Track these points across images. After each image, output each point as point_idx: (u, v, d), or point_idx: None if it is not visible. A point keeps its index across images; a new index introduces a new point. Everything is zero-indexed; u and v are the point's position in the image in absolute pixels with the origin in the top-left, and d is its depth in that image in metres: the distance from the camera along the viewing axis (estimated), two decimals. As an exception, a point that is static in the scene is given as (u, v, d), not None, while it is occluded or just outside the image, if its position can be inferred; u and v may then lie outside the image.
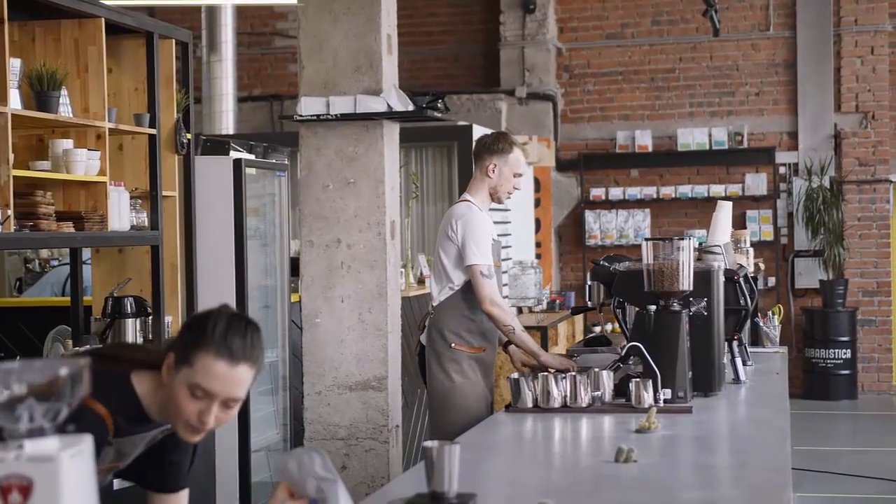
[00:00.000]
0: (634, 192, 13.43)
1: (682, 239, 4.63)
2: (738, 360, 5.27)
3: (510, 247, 11.10)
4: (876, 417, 12.18)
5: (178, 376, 2.70)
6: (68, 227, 5.21)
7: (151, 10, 13.91)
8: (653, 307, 4.61)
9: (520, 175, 5.56)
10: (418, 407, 7.78)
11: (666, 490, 3.18)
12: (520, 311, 10.98)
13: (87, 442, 1.86)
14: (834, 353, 12.80)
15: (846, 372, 12.84)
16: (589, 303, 5.42)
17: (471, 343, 5.43)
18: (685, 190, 13.31)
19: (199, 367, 2.67)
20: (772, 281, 13.11)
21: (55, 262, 9.25)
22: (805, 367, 13.02)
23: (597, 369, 4.57)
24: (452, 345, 5.42)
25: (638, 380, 4.41)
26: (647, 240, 4.67)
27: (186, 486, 3.07)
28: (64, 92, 5.22)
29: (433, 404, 5.51)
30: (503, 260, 10.42)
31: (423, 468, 2.81)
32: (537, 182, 13.05)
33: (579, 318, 11.83)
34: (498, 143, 5.53)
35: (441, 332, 5.44)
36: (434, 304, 5.50)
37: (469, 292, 5.38)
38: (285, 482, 2.68)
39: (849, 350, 12.82)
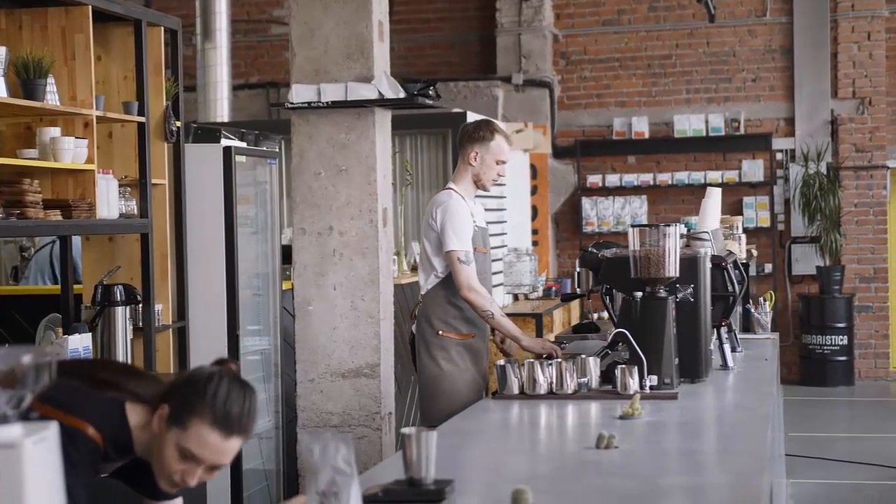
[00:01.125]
0: (631, 178, 13.42)
1: (669, 226, 4.62)
2: (727, 347, 5.27)
3: (506, 234, 11.11)
4: (872, 403, 12.18)
5: (170, 434, 2.68)
6: (56, 216, 5.21)
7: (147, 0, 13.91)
8: (639, 294, 4.61)
9: (503, 162, 5.57)
10: (411, 394, 7.79)
11: (644, 476, 3.19)
12: (515, 298, 10.99)
13: (51, 429, 1.86)
14: (831, 339, 12.80)
15: (843, 358, 12.85)
16: (578, 290, 5.42)
17: (459, 330, 5.45)
18: (682, 176, 13.31)
19: (192, 434, 2.66)
20: (768, 267, 13.11)
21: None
22: (802, 354, 13.03)
23: (583, 356, 4.57)
24: (440, 332, 5.45)
25: (623, 366, 4.42)
26: (633, 226, 4.67)
27: (180, 495, 3.03)
28: (51, 80, 5.21)
29: (422, 391, 5.54)
30: (496, 247, 10.47)
31: (401, 455, 2.82)
32: (534, 169, 13.05)
33: (575, 306, 11.84)
34: (479, 131, 5.55)
35: (429, 319, 5.48)
36: (422, 292, 5.54)
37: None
38: (304, 497, 2.67)
39: (845, 336, 12.82)
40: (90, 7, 5.47)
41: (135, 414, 2.76)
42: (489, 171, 5.53)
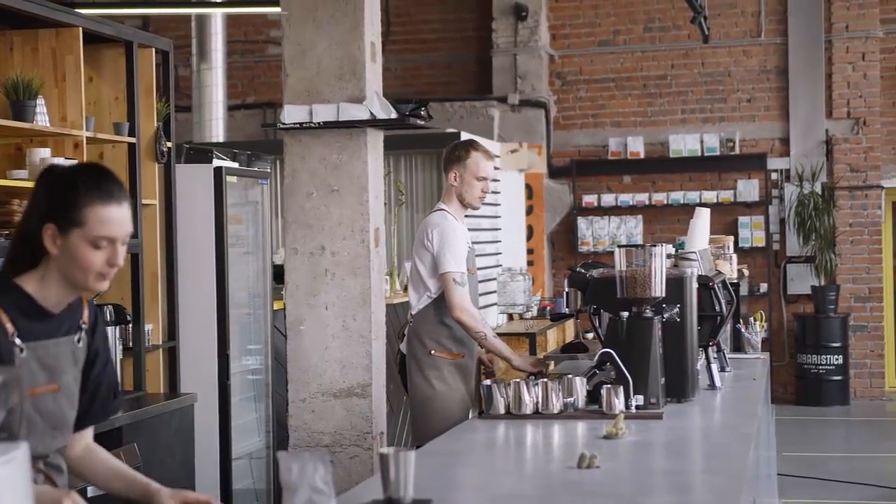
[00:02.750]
0: (627, 198, 13.45)
1: (655, 246, 4.64)
2: (714, 367, 5.28)
3: (500, 254, 11.13)
4: (868, 423, 12.18)
5: (72, 239, 2.78)
6: (46, 236, 5.22)
7: (145, 20, 13.96)
8: (625, 313, 4.62)
9: (483, 178, 5.65)
10: (403, 413, 7.79)
11: (624, 495, 3.19)
12: (510, 317, 11.00)
13: (21, 450, 1.88)
14: (826, 358, 12.80)
15: (838, 378, 12.85)
16: (566, 309, 5.44)
17: (450, 350, 5.49)
18: (677, 196, 13.33)
19: (93, 222, 2.77)
20: (763, 287, 13.12)
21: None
22: (797, 373, 13.03)
23: (570, 375, 4.58)
24: (432, 352, 5.51)
25: (609, 386, 4.42)
26: (619, 246, 4.69)
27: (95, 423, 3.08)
28: (41, 101, 5.24)
29: (414, 411, 5.56)
30: (490, 267, 10.48)
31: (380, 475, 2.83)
32: (529, 189, 13.08)
33: (570, 325, 11.84)
34: (454, 152, 5.72)
35: (420, 339, 5.53)
36: (413, 312, 5.61)
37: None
38: None
39: (841, 356, 12.83)
40: (80, 29, 5.51)
41: (26, 282, 2.83)
42: (471, 189, 5.62)
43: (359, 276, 6.04)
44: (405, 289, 8.39)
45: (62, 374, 2.89)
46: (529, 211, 13.00)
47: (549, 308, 11.35)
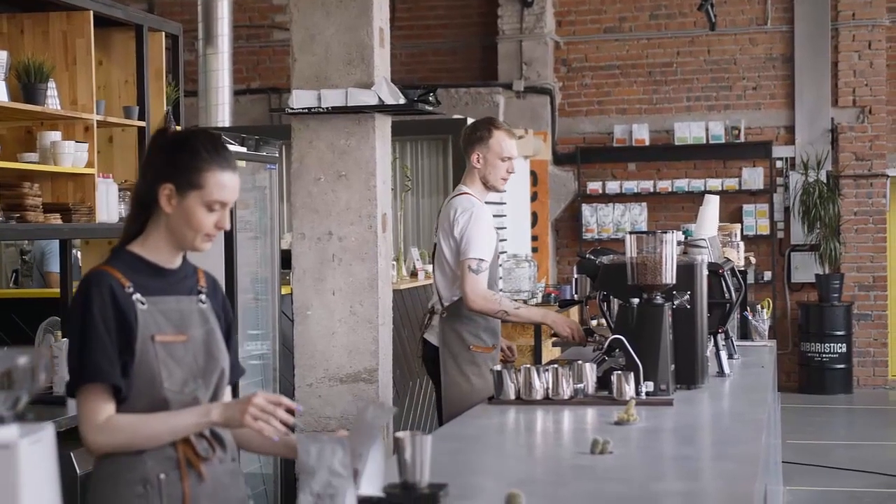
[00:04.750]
0: (631, 185, 13.45)
1: (666, 233, 4.64)
2: (723, 354, 5.28)
3: (505, 240, 11.12)
4: (871, 411, 12.19)
5: (188, 200, 2.94)
6: (56, 219, 5.23)
7: (150, 4, 13.95)
8: (636, 300, 4.62)
9: (508, 158, 5.47)
10: (409, 399, 7.81)
11: (637, 481, 3.21)
12: (515, 304, 10.99)
13: (47, 430, 1.88)
14: (829, 347, 12.82)
15: (842, 366, 12.87)
16: (575, 296, 5.42)
17: (486, 343, 5.38)
18: (682, 184, 13.33)
19: (211, 186, 2.94)
20: (768, 275, 13.13)
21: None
22: (801, 361, 13.04)
23: (580, 362, 4.59)
24: (471, 346, 5.35)
25: (620, 372, 4.43)
26: (630, 233, 4.68)
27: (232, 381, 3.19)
28: (52, 84, 5.24)
29: (450, 406, 5.39)
30: (501, 253, 10.46)
31: (396, 459, 2.84)
32: (534, 176, 13.07)
33: (575, 312, 11.85)
34: (476, 132, 5.51)
35: (459, 333, 5.37)
36: (445, 302, 5.41)
37: None
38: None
39: (844, 344, 12.84)
40: (91, 12, 5.50)
41: (137, 246, 3.01)
42: (495, 171, 5.46)
43: (366, 262, 6.04)
44: (412, 274, 8.40)
45: (189, 327, 3.03)
46: (534, 198, 13.00)
47: (553, 295, 11.34)
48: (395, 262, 7.94)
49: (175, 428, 2.93)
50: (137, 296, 2.94)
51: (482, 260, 5.30)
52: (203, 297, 3.09)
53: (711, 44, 13.46)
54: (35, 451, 1.84)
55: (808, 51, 13.22)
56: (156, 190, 2.95)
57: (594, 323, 11.20)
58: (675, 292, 4.70)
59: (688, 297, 4.73)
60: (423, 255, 8.81)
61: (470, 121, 10.53)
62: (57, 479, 1.91)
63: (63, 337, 5.57)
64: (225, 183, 2.95)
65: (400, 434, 2.85)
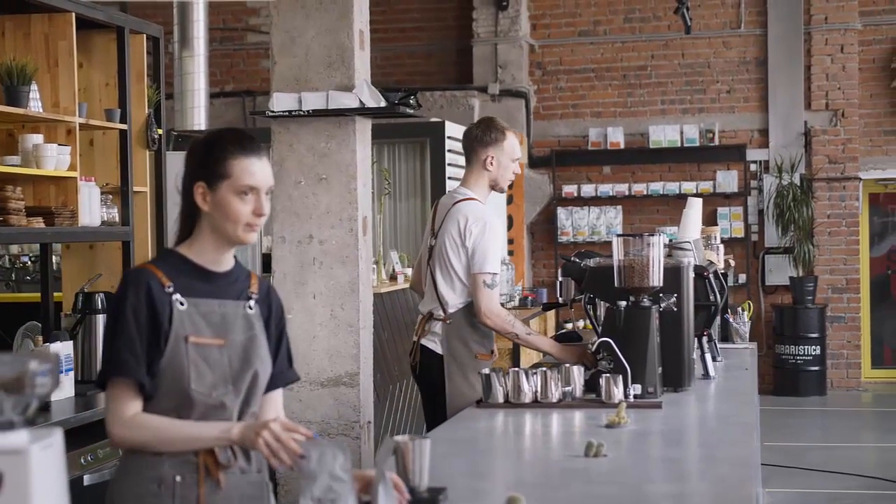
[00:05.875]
0: (606, 189, 13.47)
1: (653, 235, 4.64)
2: (708, 356, 5.30)
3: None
4: (844, 413, 12.26)
5: (220, 192, 2.99)
6: (38, 223, 5.18)
7: (123, 6, 13.87)
8: (623, 303, 4.62)
9: (517, 159, 5.38)
10: (390, 403, 7.79)
11: (635, 484, 3.20)
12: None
13: (56, 436, 1.86)
14: (803, 349, 12.88)
15: (815, 368, 12.93)
16: (560, 299, 5.41)
17: (488, 350, 5.31)
18: (657, 187, 13.37)
19: (238, 173, 2.98)
20: (742, 278, 13.19)
21: (25, 258, 9.21)
22: (775, 364, 13.10)
23: (568, 365, 4.58)
24: (477, 355, 5.23)
25: (608, 375, 4.43)
26: (618, 236, 4.69)
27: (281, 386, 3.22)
28: (34, 87, 5.20)
29: (453, 413, 5.29)
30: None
31: (395, 463, 2.82)
32: (509, 179, 13.05)
33: (551, 315, 11.88)
34: (490, 133, 5.31)
35: (464, 341, 5.23)
36: (450, 309, 5.24)
37: None
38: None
39: (818, 346, 12.91)
40: (74, 14, 5.46)
41: (183, 248, 3.06)
42: (506, 173, 5.34)
43: (347, 265, 6.03)
44: (391, 278, 8.38)
45: (230, 332, 3.05)
46: (510, 201, 13.00)
47: (531, 298, 11.36)
48: (374, 266, 7.92)
49: (197, 439, 2.96)
50: (178, 296, 2.98)
51: (496, 274, 5.17)
52: (252, 302, 3.10)
53: (686, 47, 13.51)
54: (46, 457, 1.82)
55: (782, 54, 13.29)
56: (192, 192, 3.02)
57: (570, 326, 11.23)
58: (661, 295, 4.70)
59: (675, 299, 4.73)
60: (402, 258, 8.79)
61: (448, 125, 10.57)
62: (66, 485, 1.89)
63: (44, 342, 5.53)
64: (252, 168, 3.00)
65: (399, 438, 2.84)
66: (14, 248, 9.20)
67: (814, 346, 12.88)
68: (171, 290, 2.98)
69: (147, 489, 2.96)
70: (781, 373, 13.01)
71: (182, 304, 2.98)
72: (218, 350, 3.02)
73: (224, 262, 3.09)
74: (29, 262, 9.62)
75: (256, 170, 3.01)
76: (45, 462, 1.82)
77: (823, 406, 12.59)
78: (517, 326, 5.14)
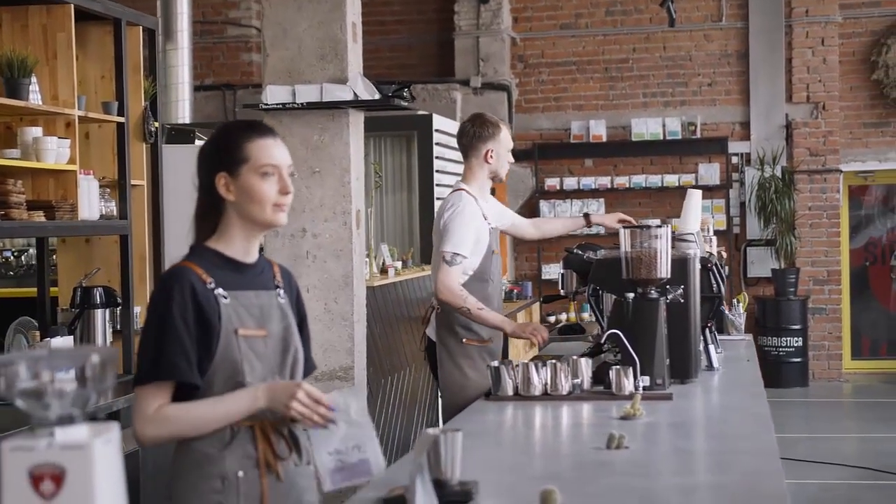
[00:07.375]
0: (589, 181, 13.47)
1: (660, 226, 4.64)
2: (712, 348, 5.30)
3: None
4: (827, 404, 12.32)
5: (242, 177, 2.97)
6: (39, 217, 5.13)
7: (102, -1, 13.77)
8: (631, 295, 4.61)
9: (511, 148, 5.65)
10: (383, 396, 7.76)
11: (661, 475, 3.20)
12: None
13: (115, 430, 1.84)
14: (786, 341, 12.93)
15: (797, 360, 12.99)
16: (562, 291, 5.41)
17: (480, 336, 5.39)
18: (639, 180, 13.38)
19: (256, 154, 2.97)
20: (724, 270, 13.20)
21: (8, 254, 9.14)
22: (758, 355, 13.10)
23: (575, 357, 4.58)
24: (464, 340, 5.38)
25: (618, 367, 4.42)
26: (625, 227, 4.68)
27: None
28: (34, 79, 5.14)
29: (448, 400, 5.43)
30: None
31: (426, 455, 2.80)
32: (492, 172, 13.04)
33: (536, 308, 11.87)
34: (487, 129, 5.52)
35: (451, 327, 5.40)
36: (440, 297, 5.36)
37: (474, 285, 5.33)
38: None
39: (800, 338, 12.96)
40: (72, 6, 5.40)
41: (213, 242, 3.02)
42: (504, 163, 5.58)
43: (341, 259, 6.01)
44: (382, 271, 8.36)
45: (269, 322, 3.03)
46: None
47: (515, 291, 11.36)
48: (367, 259, 7.89)
49: (226, 414, 2.92)
50: (220, 290, 2.96)
51: (457, 253, 5.29)
52: (281, 291, 3.09)
53: (667, 40, 13.52)
54: (107, 451, 1.80)
55: (763, 47, 13.33)
56: (213, 185, 2.99)
57: (552, 319, 11.23)
58: (668, 286, 4.69)
59: (681, 290, 4.73)
60: (392, 251, 8.78)
61: (436, 118, 10.54)
62: (123, 479, 1.87)
63: (43, 338, 5.48)
64: (269, 148, 2.98)
65: (431, 431, 2.81)
66: (19, 242, 9.12)
67: (796, 338, 12.93)
68: (212, 285, 2.95)
69: (210, 486, 2.93)
70: (764, 364, 12.93)
71: (225, 297, 2.96)
72: (262, 341, 3.00)
73: (252, 253, 3.07)
74: (12, 258, 9.55)
75: (274, 148, 3.00)
76: (106, 456, 1.79)
77: (806, 397, 12.65)
78: (469, 301, 5.27)
